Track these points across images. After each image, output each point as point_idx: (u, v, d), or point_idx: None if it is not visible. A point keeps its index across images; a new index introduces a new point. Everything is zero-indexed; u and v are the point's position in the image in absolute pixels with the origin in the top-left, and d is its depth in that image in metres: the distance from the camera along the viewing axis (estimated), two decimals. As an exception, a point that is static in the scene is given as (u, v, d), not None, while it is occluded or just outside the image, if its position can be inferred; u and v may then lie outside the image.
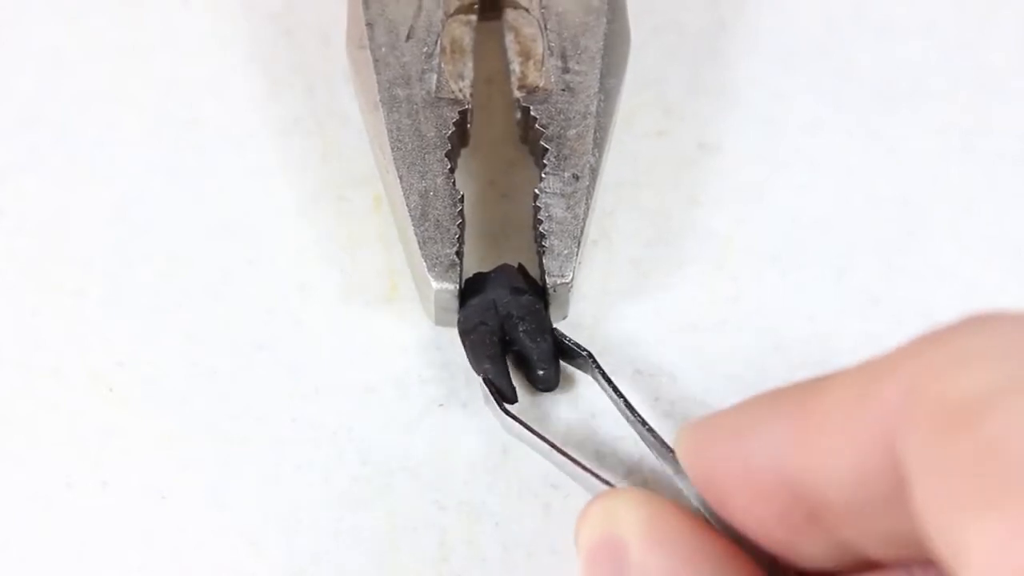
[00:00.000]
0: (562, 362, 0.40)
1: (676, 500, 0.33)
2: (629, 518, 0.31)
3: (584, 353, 0.39)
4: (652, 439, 0.38)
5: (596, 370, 0.39)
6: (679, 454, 0.32)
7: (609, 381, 0.39)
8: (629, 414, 0.38)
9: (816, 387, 0.29)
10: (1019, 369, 0.25)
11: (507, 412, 0.38)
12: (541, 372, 0.39)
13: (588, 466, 0.37)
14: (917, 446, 0.26)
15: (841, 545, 0.29)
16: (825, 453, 0.28)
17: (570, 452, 0.37)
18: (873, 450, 0.27)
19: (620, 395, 0.39)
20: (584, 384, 0.40)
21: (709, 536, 0.31)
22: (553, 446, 0.37)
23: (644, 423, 0.38)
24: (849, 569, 0.30)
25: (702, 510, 0.33)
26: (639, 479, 0.39)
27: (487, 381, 0.39)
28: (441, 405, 0.40)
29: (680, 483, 0.36)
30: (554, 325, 0.40)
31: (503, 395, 0.39)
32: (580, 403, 0.40)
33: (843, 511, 0.28)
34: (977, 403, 0.25)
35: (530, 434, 0.38)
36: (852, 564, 0.30)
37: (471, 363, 0.39)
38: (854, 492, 0.28)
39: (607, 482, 0.36)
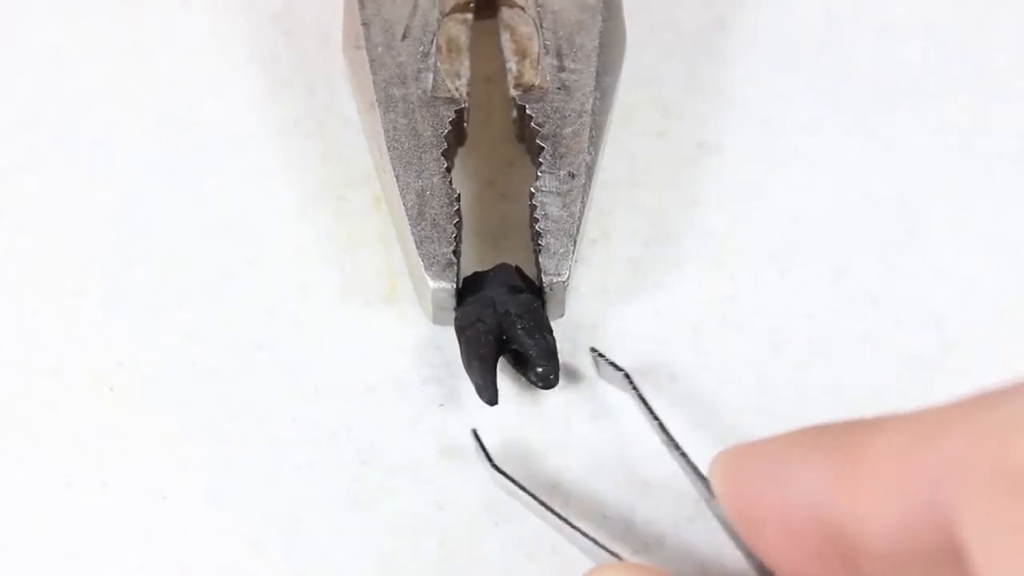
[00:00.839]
0: (563, 360, 0.40)
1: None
2: None
3: (621, 372, 0.39)
4: (686, 464, 0.37)
5: (632, 390, 0.39)
6: (714, 480, 0.32)
7: (646, 403, 0.39)
8: (665, 436, 0.38)
9: (863, 433, 0.29)
10: None
11: (496, 468, 0.38)
12: (540, 369, 0.39)
13: (583, 529, 0.37)
14: (977, 513, 0.26)
15: None
16: (869, 503, 0.28)
17: (562, 513, 0.37)
18: (920, 507, 0.27)
19: (656, 417, 0.38)
20: (584, 384, 0.41)
21: None
22: (545, 506, 0.37)
23: (678, 447, 0.37)
24: None
25: (731, 538, 0.33)
26: (639, 481, 0.39)
27: (475, 436, 0.39)
28: (441, 405, 0.40)
29: (711, 511, 0.36)
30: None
31: (482, 396, 0.39)
32: (580, 403, 0.40)
33: (880, 561, 0.28)
34: None
35: (520, 492, 0.38)
36: None
37: (464, 363, 0.39)
38: (894, 544, 0.28)
39: (603, 546, 0.36)
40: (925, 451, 0.27)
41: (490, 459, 0.38)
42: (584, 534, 0.36)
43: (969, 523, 0.26)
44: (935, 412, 0.28)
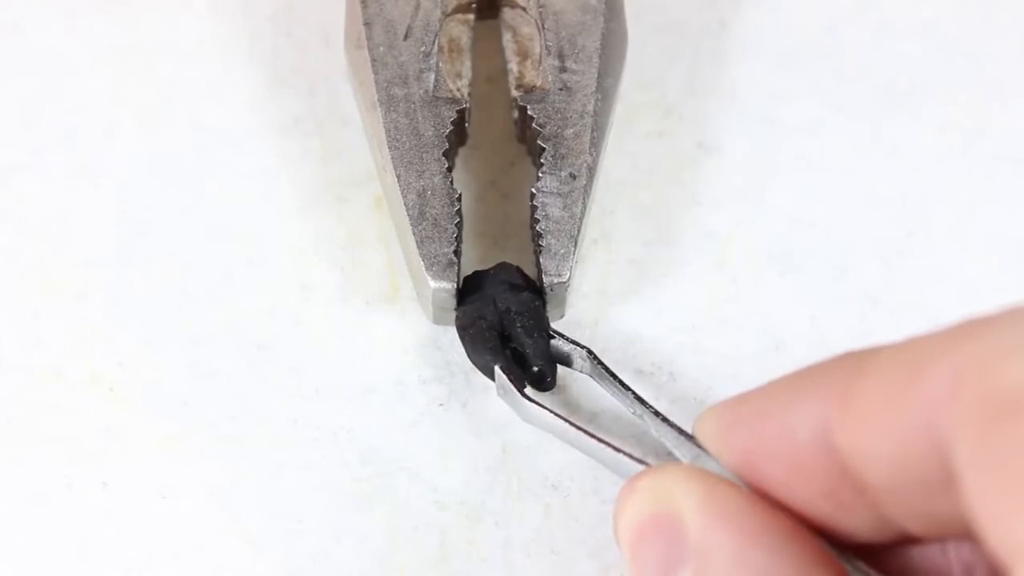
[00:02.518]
0: (559, 366, 0.40)
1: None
2: (686, 494, 0.30)
3: (584, 350, 0.39)
4: (666, 427, 0.37)
5: (598, 366, 0.39)
6: (704, 436, 0.32)
7: (613, 375, 0.39)
8: (639, 405, 0.38)
9: (858, 364, 0.29)
10: None
11: (528, 397, 0.38)
12: (538, 369, 0.39)
13: (621, 447, 0.36)
14: (966, 437, 0.26)
15: (883, 520, 0.29)
16: (868, 434, 0.28)
17: (599, 434, 0.37)
18: (917, 435, 0.27)
19: (627, 388, 0.38)
20: (583, 384, 0.40)
21: (773, 513, 0.29)
22: (581, 429, 0.37)
23: (656, 412, 0.37)
24: (889, 542, 0.30)
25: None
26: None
27: (504, 369, 0.39)
28: (441, 405, 0.40)
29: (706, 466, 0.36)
30: (552, 324, 0.40)
31: (516, 378, 0.39)
32: (580, 403, 0.40)
33: (885, 490, 0.28)
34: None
35: (553, 419, 0.37)
36: (893, 538, 0.30)
37: (470, 358, 0.39)
38: (897, 473, 0.28)
39: (643, 461, 0.35)
40: (918, 378, 0.27)
41: (521, 391, 0.38)
42: (627, 453, 0.36)
43: (959, 446, 0.26)
44: (927, 339, 0.27)
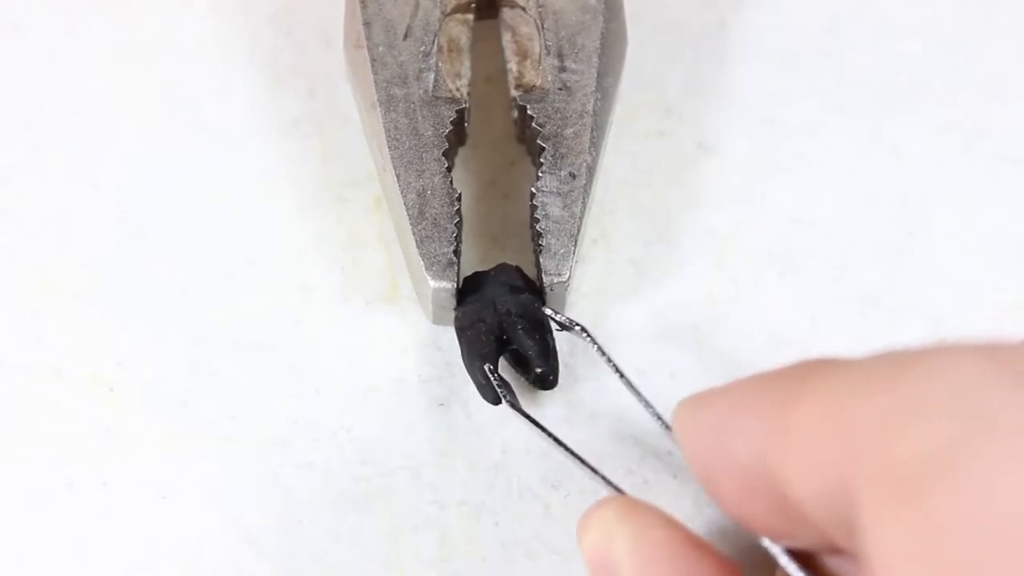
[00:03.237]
0: (563, 359, 0.40)
1: (664, 510, 0.33)
2: (619, 536, 0.32)
3: (577, 327, 0.39)
4: (653, 415, 0.37)
5: (592, 344, 0.39)
6: (675, 433, 0.32)
7: (604, 353, 0.39)
8: (632, 391, 0.38)
9: (793, 390, 0.29)
10: (964, 422, 0.25)
11: (513, 406, 0.38)
12: (539, 370, 0.39)
13: (591, 465, 0.37)
14: (869, 500, 0.26)
15: (823, 535, 0.29)
16: (793, 464, 0.28)
17: (573, 448, 0.37)
18: (834, 477, 0.27)
19: (617, 369, 0.38)
20: (584, 384, 0.41)
21: (699, 554, 0.31)
22: (557, 441, 0.37)
23: (647, 402, 0.38)
24: (834, 552, 0.30)
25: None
26: (639, 479, 0.39)
27: (480, 384, 0.39)
28: (441, 405, 0.40)
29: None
30: (547, 305, 0.40)
31: (489, 394, 0.39)
32: (580, 403, 0.40)
33: (814, 512, 0.28)
34: (924, 469, 0.25)
35: (535, 428, 0.38)
36: (836, 550, 0.30)
37: (464, 361, 0.39)
38: (818, 503, 0.28)
39: (612, 484, 0.36)
40: (836, 424, 0.27)
41: (505, 400, 0.38)
42: (594, 471, 0.37)
43: (862, 513, 0.26)
44: (863, 369, 0.27)
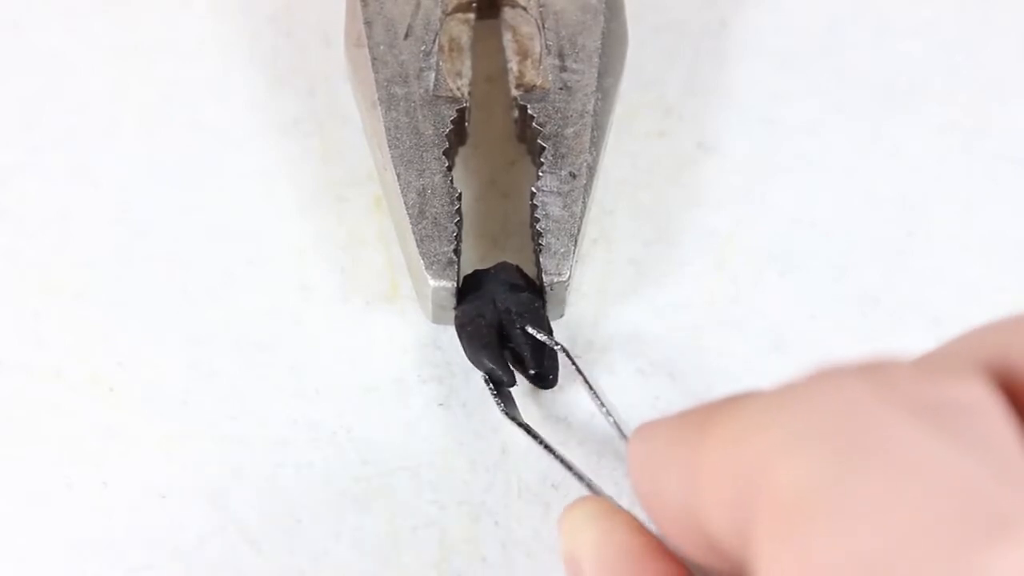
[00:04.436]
0: (563, 359, 0.40)
1: (634, 515, 0.33)
2: (584, 538, 0.32)
3: (557, 346, 0.39)
4: (617, 432, 0.38)
5: (570, 363, 0.39)
6: (629, 459, 0.32)
7: (580, 372, 0.39)
8: (603, 411, 0.39)
9: (705, 425, 0.28)
10: (841, 454, 0.25)
11: (506, 414, 0.39)
12: (538, 370, 0.39)
13: (576, 468, 0.37)
14: (755, 535, 0.26)
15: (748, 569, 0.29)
16: (703, 497, 0.28)
17: (562, 454, 0.38)
18: (736, 507, 0.27)
19: (591, 387, 0.39)
20: (584, 384, 0.40)
21: (657, 560, 0.31)
22: (548, 448, 0.38)
23: (617, 425, 0.38)
24: None
25: None
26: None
27: (487, 382, 0.39)
28: (441, 405, 0.40)
29: None
30: (536, 325, 0.40)
31: (501, 382, 0.39)
32: (580, 403, 0.40)
33: (731, 546, 0.28)
34: (799, 503, 0.25)
35: (528, 434, 0.38)
36: None
37: (468, 356, 0.39)
38: (732, 535, 0.27)
39: (591, 486, 0.37)
40: (740, 452, 0.27)
41: (499, 405, 0.39)
42: (579, 476, 0.37)
43: (752, 544, 0.26)
44: (760, 402, 0.27)
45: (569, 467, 0.37)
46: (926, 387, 0.26)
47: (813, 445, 0.25)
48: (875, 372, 0.26)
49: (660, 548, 0.31)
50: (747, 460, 0.26)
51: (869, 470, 0.24)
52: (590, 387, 0.39)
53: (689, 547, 0.30)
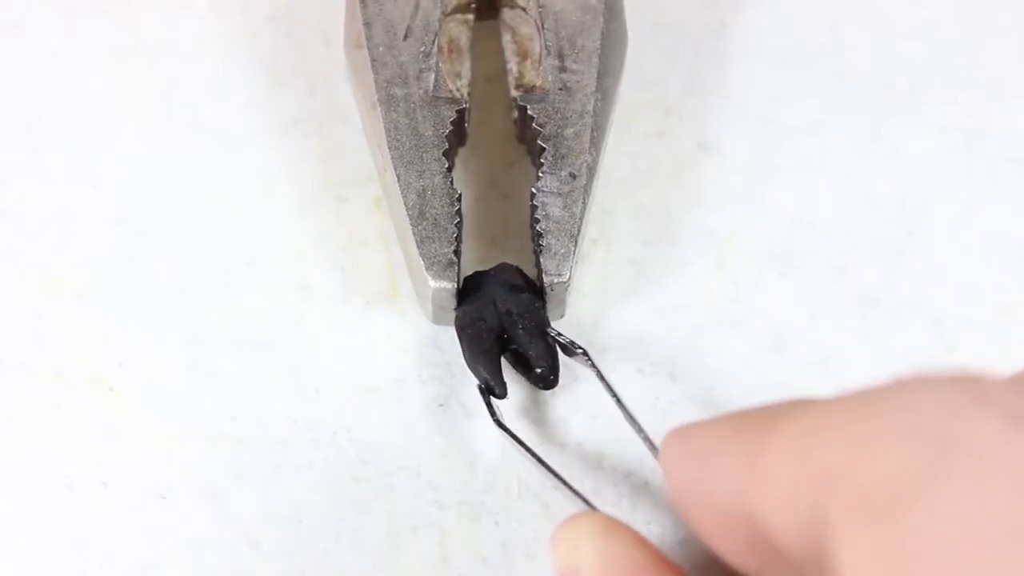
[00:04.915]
0: (563, 359, 0.40)
1: (634, 529, 0.33)
2: (586, 552, 0.32)
3: (579, 351, 0.39)
4: (646, 441, 0.38)
5: (592, 368, 0.39)
6: (662, 467, 0.32)
7: (603, 379, 0.39)
8: (624, 413, 0.38)
9: (769, 425, 0.29)
10: (936, 452, 0.25)
11: (499, 424, 0.39)
12: (539, 370, 0.39)
13: (569, 482, 0.37)
14: (840, 526, 0.26)
15: (800, 572, 0.29)
16: (769, 499, 0.28)
17: (553, 467, 0.38)
18: (809, 509, 0.27)
19: (614, 394, 0.39)
20: (584, 384, 0.40)
21: (663, 570, 0.31)
22: (540, 461, 0.38)
23: (636, 423, 0.38)
24: None
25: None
26: (639, 480, 0.39)
27: (482, 391, 0.39)
28: (441, 405, 0.40)
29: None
30: (551, 324, 0.40)
31: (493, 391, 0.39)
32: (580, 403, 0.40)
33: (793, 551, 0.28)
34: (895, 493, 0.25)
35: (519, 446, 0.38)
36: None
37: (466, 360, 0.39)
38: (796, 539, 0.28)
39: (585, 500, 0.37)
40: (811, 455, 0.27)
41: (492, 416, 0.39)
42: (573, 490, 0.37)
43: (833, 537, 0.26)
44: (829, 408, 0.27)
45: (561, 478, 0.38)
46: (1020, 398, 0.26)
47: (906, 441, 0.25)
48: (968, 382, 0.27)
49: (665, 561, 0.32)
50: (826, 456, 0.26)
51: (972, 463, 0.25)
52: (612, 392, 0.39)
53: (729, 546, 0.30)
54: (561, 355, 0.40)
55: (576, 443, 0.40)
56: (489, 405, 0.39)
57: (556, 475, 0.38)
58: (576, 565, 0.32)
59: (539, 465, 0.38)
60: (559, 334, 0.40)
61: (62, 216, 0.43)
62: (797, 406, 0.29)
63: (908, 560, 0.24)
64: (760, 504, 0.28)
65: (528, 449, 0.38)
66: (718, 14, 0.47)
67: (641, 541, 0.32)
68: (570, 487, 0.37)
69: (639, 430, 0.38)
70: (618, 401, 0.39)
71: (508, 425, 0.39)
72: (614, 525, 0.33)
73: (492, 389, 0.39)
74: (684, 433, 0.32)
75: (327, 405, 0.40)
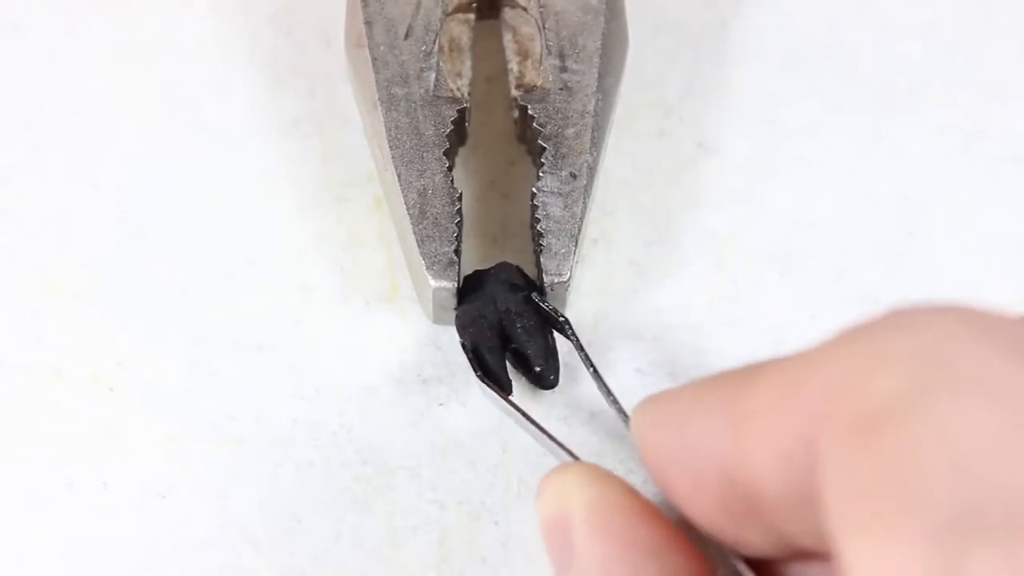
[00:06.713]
0: (563, 360, 0.40)
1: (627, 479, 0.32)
2: (577, 498, 0.31)
3: (561, 319, 0.39)
4: (620, 412, 0.38)
5: (572, 339, 0.39)
6: (632, 434, 0.32)
7: (582, 349, 0.39)
8: (598, 382, 0.39)
9: (748, 377, 0.28)
10: (930, 370, 0.25)
11: (481, 379, 0.39)
12: (539, 369, 0.39)
13: (554, 436, 0.37)
14: (829, 448, 0.25)
15: (780, 535, 0.29)
16: (754, 448, 0.28)
17: (539, 422, 0.38)
18: (796, 448, 0.26)
19: (591, 364, 0.39)
20: (584, 384, 0.40)
21: (653, 522, 0.31)
22: (523, 413, 0.38)
23: (610, 394, 0.38)
24: (790, 557, 0.30)
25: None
26: (639, 479, 0.39)
27: (464, 348, 0.39)
28: (441, 405, 0.40)
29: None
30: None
31: (500, 385, 0.39)
32: (580, 403, 0.40)
33: (775, 504, 0.28)
34: (885, 409, 0.24)
35: (506, 404, 0.38)
36: (792, 553, 0.29)
37: (466, 355, 0.39)
38: (781, 487, 0.27)
39: (571, 453, 0.36)
40: (796, 391, 0.26)
41: (476, 372, 0.39)
42: (558, 443, 0.37)
43: (823, 460, 0.25)
44: (810, 351, 0.27)
45: (546, 432, 0.37)
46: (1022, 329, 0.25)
47: (905, 361, 0.25)
48: (968, 311, 0.26)
49: (657, 511, 0.31)
50: (816, 384, 0.26)
51: (964, 386, 0.24)
52: (595, 371, 0.39)
53: (709, 510, 0.29)
54: (561, 355, 0.40)
55: (576, 443, 0.40)
56: (471, 361, 0.39)
57: (541, 428, 0.37)
58: (566, 514, 0.31)
59: (524, 420, 0.38)
60: (543, 300, 0.39)
61: (62, 216, 0.43)
62: (773, 359, 0.28)
63: (888, 473, 0.24)
64: (742, 450, 0.28)
65: (512, 403, 0.38)
66: (718, 15, 0.47)
67: (632, 490, 0.31)
68: (555, 440, 0.37)
69: (613, 401, 0.38)
70: (594, 372, 0.39)
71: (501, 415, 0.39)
72: (604, 473, 0.32)
73: (492, 387, 0.39)
74: (657, 398, 0.31)
75: (327, 405, 0.40)
